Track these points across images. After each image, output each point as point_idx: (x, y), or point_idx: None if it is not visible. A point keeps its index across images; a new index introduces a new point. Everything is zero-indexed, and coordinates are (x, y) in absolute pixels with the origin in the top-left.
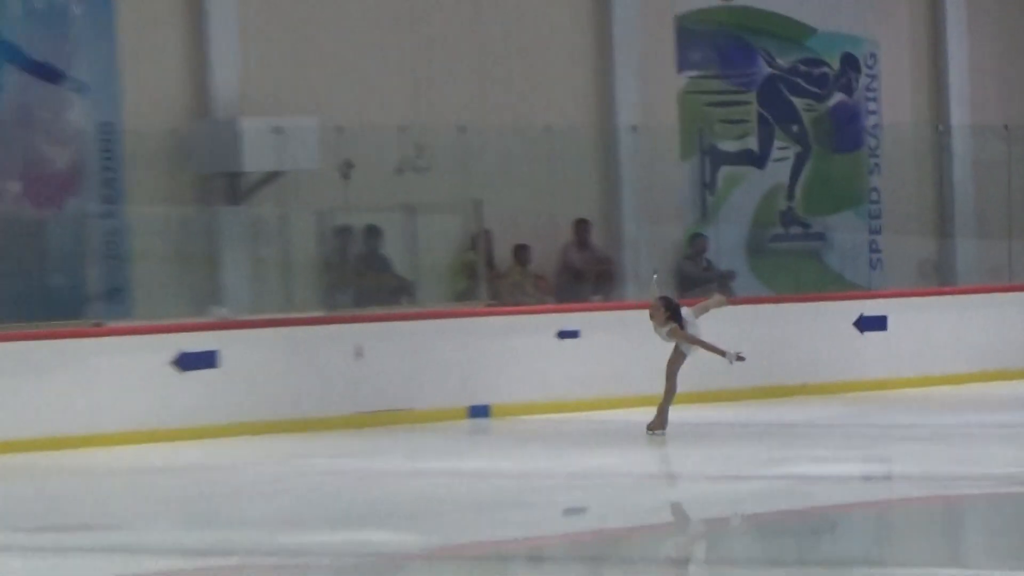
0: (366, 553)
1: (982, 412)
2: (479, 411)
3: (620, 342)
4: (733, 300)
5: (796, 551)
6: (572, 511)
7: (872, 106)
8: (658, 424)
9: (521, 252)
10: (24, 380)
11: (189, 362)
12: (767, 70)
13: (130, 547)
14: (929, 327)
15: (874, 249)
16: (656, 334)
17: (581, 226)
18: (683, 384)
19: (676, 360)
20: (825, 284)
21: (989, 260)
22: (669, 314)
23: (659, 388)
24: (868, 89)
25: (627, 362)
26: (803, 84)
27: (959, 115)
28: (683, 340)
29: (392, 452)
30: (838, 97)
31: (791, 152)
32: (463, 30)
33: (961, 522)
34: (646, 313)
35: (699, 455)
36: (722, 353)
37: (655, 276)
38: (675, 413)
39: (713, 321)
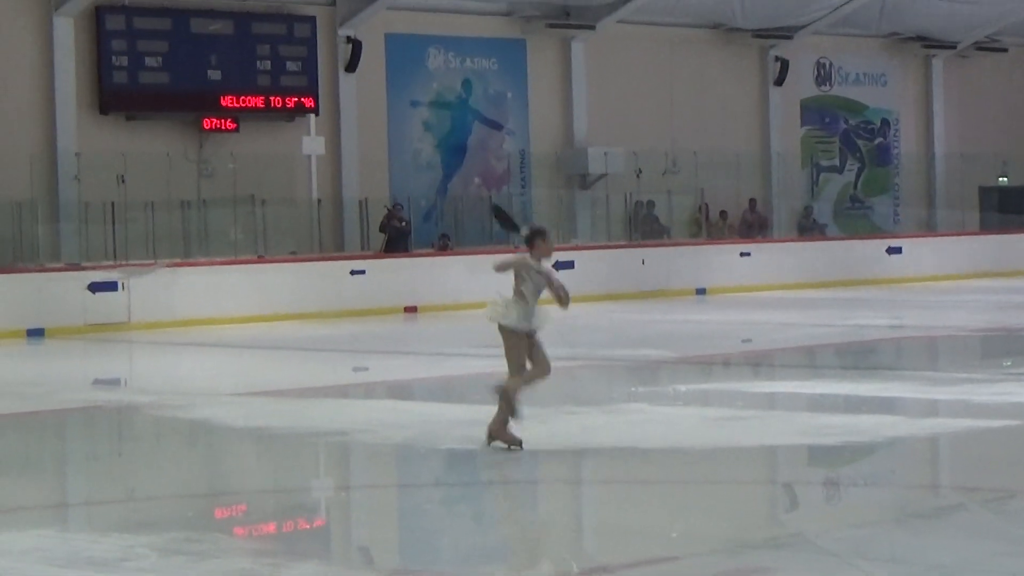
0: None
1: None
2: (701, 291)
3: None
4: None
5: None
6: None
7: (895, 144)
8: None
9: (723, 214)
10: None
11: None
12: (844, 126)
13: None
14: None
15: (896, 212)
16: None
17: (752, 202)
18: None
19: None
20: (869, 230)
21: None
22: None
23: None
24: (895, 137)
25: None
26: (862, 133)
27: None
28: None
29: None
30: (878, 140)
31: (856, 166)
32: (693, 90)
33: None
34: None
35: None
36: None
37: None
38: None
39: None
